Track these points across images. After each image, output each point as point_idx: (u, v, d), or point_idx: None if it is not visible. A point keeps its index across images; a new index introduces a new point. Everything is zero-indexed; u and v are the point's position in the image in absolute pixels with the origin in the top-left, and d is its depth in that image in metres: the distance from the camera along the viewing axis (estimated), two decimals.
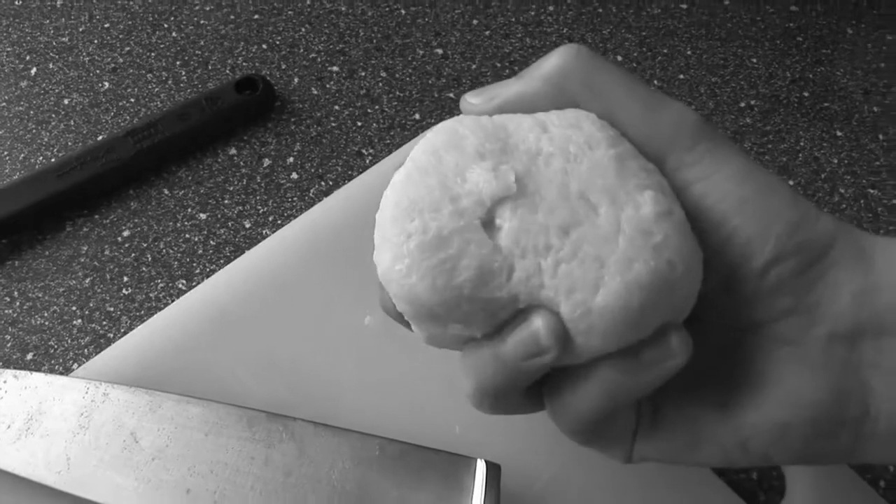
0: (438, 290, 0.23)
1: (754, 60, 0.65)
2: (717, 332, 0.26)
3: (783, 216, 0.24)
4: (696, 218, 0.24)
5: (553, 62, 0.25)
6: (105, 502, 0.33)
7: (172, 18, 0.63)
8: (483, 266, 0.23)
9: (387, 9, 0.65)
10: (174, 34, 0.62)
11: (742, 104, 0.62)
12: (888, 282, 0.24)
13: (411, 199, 0.24)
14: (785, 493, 0.40)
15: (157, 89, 0.58)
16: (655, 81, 0.62)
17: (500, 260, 0.23)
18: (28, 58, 0.60)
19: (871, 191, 0.57)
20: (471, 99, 0.26)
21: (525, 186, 0.24)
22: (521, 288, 0.23)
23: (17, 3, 0.63)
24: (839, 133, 0.60)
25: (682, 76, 0.63)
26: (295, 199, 0.53)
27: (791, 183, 0.57)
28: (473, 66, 0.62)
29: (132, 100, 0.58)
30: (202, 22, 0.63)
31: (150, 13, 0.63)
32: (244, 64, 0.61)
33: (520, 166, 0.24)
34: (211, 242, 0.50)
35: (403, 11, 0.65)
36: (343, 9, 0.65)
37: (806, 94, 0.62)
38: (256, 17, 0.64)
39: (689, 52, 0.64)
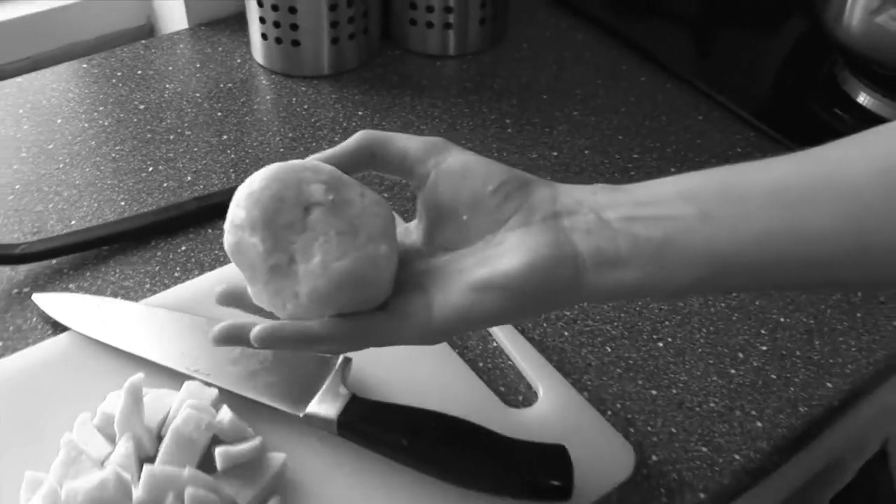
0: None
1: None
2: (480, 232, 0.41)
3: (501, 167, 0.41)
4: (458, 171, 0.41)
5: (355, 136, 0.42)
6: None
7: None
8: (292, 223, 0.39)
9: None
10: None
11: None
12: (564, 191, 0.40)
13: (276, 175, 0.40)
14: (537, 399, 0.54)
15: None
16: None
17: (300, 223, 0.39)
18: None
19: None
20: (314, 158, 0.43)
21: (334, 206, 0.39)
22: (305, 245, 0.39)
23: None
24: None
25: None
26: None
27: None
28: None
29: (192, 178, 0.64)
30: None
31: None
32: None
33: (336, 197, 0.40)
34: None
35: None
36: None
37: None
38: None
39: None
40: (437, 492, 0.48)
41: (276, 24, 0.79)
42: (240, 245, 0.39)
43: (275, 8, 0.77)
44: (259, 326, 0.39)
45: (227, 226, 0.40)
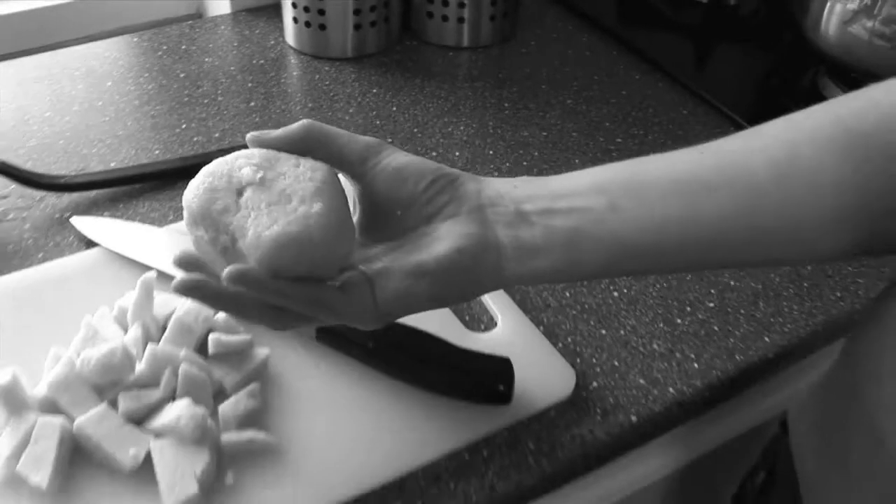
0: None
1: None
2: (412, 225, 0.44)
3: (434, 165, 0.44)
4: (395, 170, 0.44)
5: (298, 124, 0.44)
6: None
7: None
8: (227, 207, 0.41)
9: None
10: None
11: None
12: (488, 184, 0.44)
13: (209, 170, 0.42)
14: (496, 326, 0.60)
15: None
16: None
17: (234, 206, 0.41)
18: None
19: None
20: (251, 135, 0.44)
21: (264, 182, 0.41)
22: (239, 223, 0.40)
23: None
24: None
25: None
26: None
27: None
28: None
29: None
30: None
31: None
32: None
33: (268, 174, 0.42)
34: None
35: None
36: None
37: None
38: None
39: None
40: (399, 393, 0.55)
41: (306, 9, 0.88)
42: (196, 242, 0.42)
43: None
44: (232, 266, 0.40)
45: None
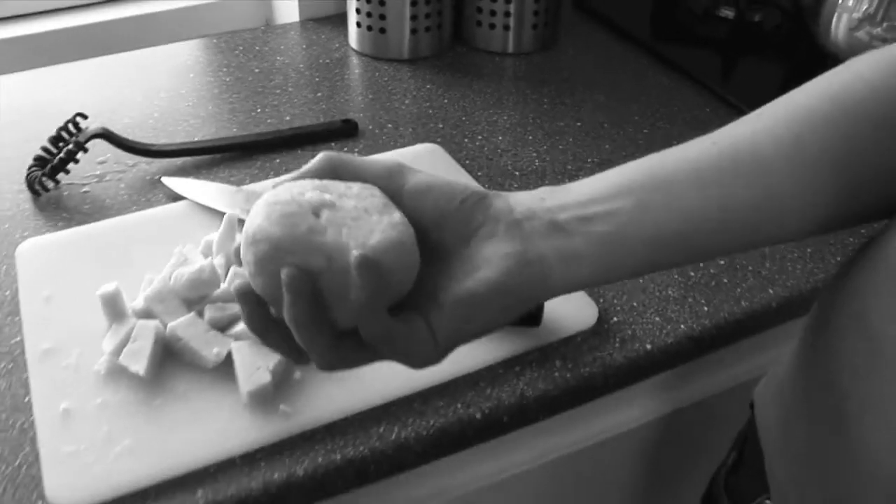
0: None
1: None
2: (450, 247, 0.44)
3: (460, 185, 0.44)
4: (422, 191, 0.44)
5: (319, 157, 0.45)
6: None
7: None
8: (312, 228, 0.40)
9: None
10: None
11: None
12: (517, 200, 0.44)
13: (272, 200, 0.41)
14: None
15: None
16: None
17: (319, 226, 0.40)
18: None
19: None
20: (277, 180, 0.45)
21: (333, 203, 0.41)
22: (335, 239, 0.40)
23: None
24: None
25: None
26: None
27: None
28: None
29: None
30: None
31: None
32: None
33: (330, 196, 0.42)
34: None
35: None
36: None
37: None
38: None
39: None
40: None
41: (369, 15, 0.98)
42: (276, 272, 0.39)
43: (368, 0, 0.97)
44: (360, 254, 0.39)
45: (249, 269, 0.41)
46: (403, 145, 0.85)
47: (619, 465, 0.79)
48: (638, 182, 0.43)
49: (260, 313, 0.42)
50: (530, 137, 0.87)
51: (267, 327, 0.42)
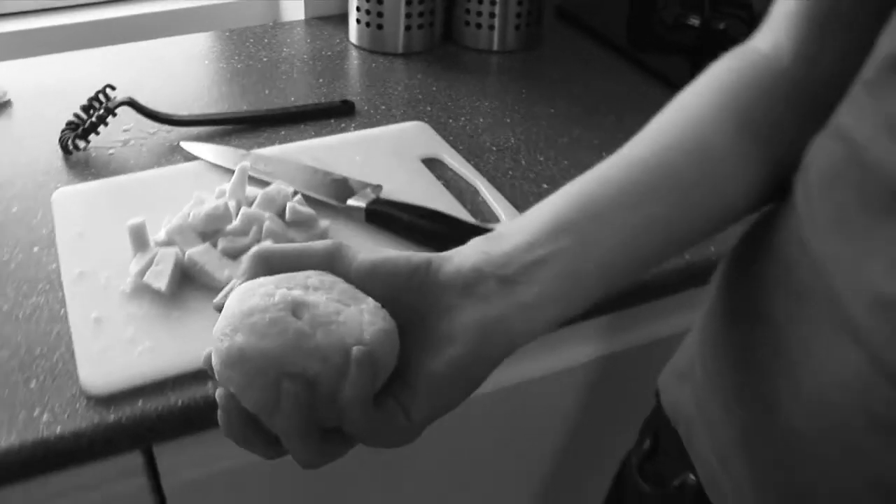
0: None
1: None
2: (409, 324, 0.43)
3: (401, 259, 0.43)
4: (368, 272, 0.43)
5: (249, 257, 0.44)
6: None
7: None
8: (301, 332, 0.39)
9: None
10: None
11: None
12: (460, 260, 0.43)
13: (247, 310, 0.40)
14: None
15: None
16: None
17: (306, 329, 0.39)
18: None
19: None
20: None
21: (303, 300, 0.40)
22: (327, 341, 0.39)
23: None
24: None
25: None
26: None
27: None
28: None
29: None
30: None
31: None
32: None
33: (295, 292, 0.41)
34: None
35: None
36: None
37: None
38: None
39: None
40: None
41: (368, 12, 1.09)
42: (269, 384, 0.39)
43: None
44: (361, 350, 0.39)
45: (236, 386, 0.39)
46: (394, 123, 0.95)
47: (560, 401, 0.88)
48: (572, 219, 0.44)
49: (241, 422, 0.41)
50: (508, 120, 0.97)
51: (248, 437, 0.41)
